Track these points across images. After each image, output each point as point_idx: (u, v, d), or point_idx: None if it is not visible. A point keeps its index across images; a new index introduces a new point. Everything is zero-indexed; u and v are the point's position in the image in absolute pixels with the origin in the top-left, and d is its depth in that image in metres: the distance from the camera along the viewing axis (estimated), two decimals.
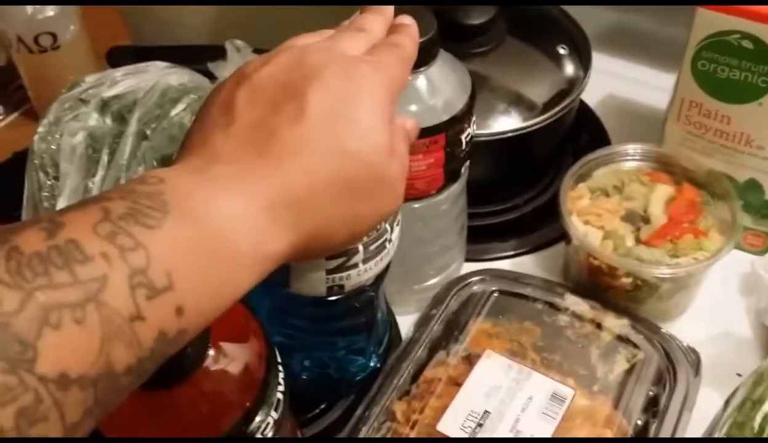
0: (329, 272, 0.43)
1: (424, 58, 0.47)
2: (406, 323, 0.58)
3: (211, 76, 0.59)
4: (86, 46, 0.76)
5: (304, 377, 0.53)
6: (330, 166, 0.33)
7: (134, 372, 0.26)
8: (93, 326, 0.25)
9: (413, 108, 0.48)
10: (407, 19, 0.41)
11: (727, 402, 0.45)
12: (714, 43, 0.52)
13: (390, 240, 0.45)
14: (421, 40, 0.46)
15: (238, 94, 0.34)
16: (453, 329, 0.54)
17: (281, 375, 0.39)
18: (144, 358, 0.27)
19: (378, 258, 0.45)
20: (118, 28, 1.05)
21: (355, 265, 0.44)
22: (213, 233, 0.29)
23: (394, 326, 0.57)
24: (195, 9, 1.10)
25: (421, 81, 0.48)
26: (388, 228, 0.44)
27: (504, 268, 0.61)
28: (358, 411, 0.51)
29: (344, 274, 0.44)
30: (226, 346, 0.36)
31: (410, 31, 0.41)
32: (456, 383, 0.50)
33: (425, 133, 0.48)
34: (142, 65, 0.58)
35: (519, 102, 0.62)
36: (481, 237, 0.63)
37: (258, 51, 0.58)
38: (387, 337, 0.55)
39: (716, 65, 0.53)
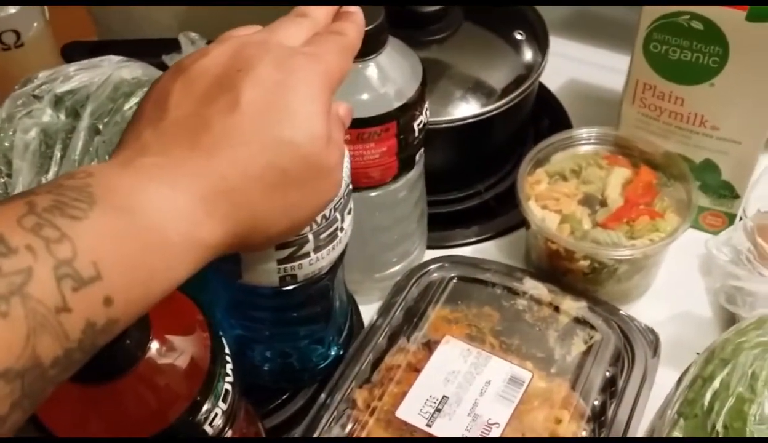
0: (280, 262, 0.43)
1: (372, 46, 0.47)
2: (370, 311, 0.58)
3: (166, 69, 0.58)
4: (51, 43, 0.75)
5: (266, 368, 0.53)
6: (264, 157, 0.33)
7: (62, 364, 0.26)
8: (18, 319, 0.25)
9: (364, 96, 0.48)
10: (352, 7, 0.41)
11: (679, 380, 0.46)
12: (664, 25, 0.52)
13: (341, 229, 0.45)
14: (369, 27, 0.46)
15: (173, 87, 0.34)
16: (413, 316, 0.54)
17: (229, 366, 0.39)
18: (72, 350, 0.26)
19: (330, 248, 0.45)
20: (83, 24, 1.05)
21: (307, 255, 0.44)
22: (141, 223, 0.29)
23: (355, 314, 0.57)
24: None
25: (371, 69, 0.48)
26: (339, 217, 0.44)
27: (467, 255, 0.61)
28: (320, 400, 0.51)
29: (296, 264, 0.44)
30: (168, 338, 0.36)
31: (355, 19, 0.40)
32: (415, 369, 0.51)
33: (376, 121, 0.48)
34: (96, 60, 0.57)
35: (478, 88, 0.62)
36: (443, 225, 0.64)
37: (210, 43, 0.57)
38: (347, 325, 0.55)
39: (668, 47, 0.53)
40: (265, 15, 0.46)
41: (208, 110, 0.33)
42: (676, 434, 0.42)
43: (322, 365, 0.54)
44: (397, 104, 0.48)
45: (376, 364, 0.52)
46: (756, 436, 0.39)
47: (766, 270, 0.49)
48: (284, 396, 0.53)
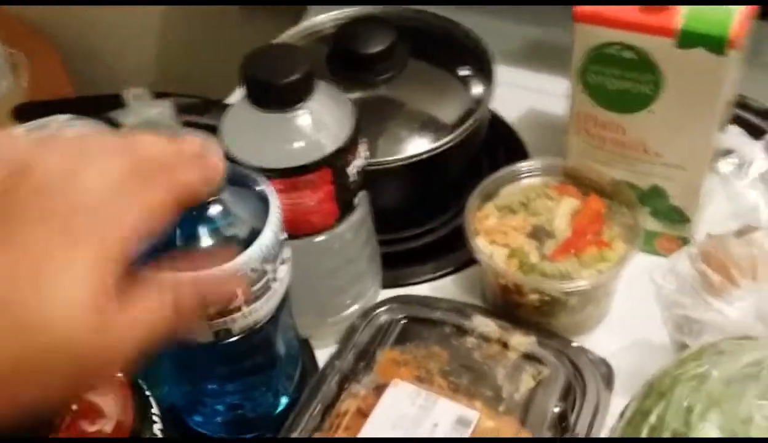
0: (210, 318, 0.43)
1: (298, 96, 0.47)
2: (326, 355, 0.57)
3: (115, 125, 0.59)
4: (22, 100, 0.77)
5: (220, 420, 0.53)
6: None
7: None
8: None
9: (295, 144, 0.48)
10: (189, 144, 0.33)
11: (622, 414, 0.45)
12: (598, 56, 0.53)
13: (275, 280, 0.45)
14: (293, 78, 0.47)
15: None
16: (363, 359, 0.54)
17: (157, 425, 0.39)
18: None
19: (264, 299, 0.45)
20: (60, 79, 1.06)
21: (238, 309, 0.44)
22: None
23: (309, 359, 0.57)
24: (139, 52, 1.11)
25: (300, 118, 0.48)
26: (270, 268, 0.44)
27: (424, 292, 0.61)
28: None
29: (227, 319, 0.44)
30: (87, 403, 0.36)
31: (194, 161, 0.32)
32: (364, 415, 0.50)
33: (310, 168, 0.49)
34: (44, 120, 0.58)
35: (427, 124, 0.62)
36: (400, 263, 0.63)
37: (159, 95, 0.58)
38: (299, 371, 0.55)
39: (603, 77, 0.53)
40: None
41: None
42: None
43: (276, 412, 0.53)
44: (330, 150, 0.49)
45: (326, 410, 0.52)
46: None
47: (711, 298, 0.49)
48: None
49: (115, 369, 0.31)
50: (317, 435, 0.50)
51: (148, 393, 0.40)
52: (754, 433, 0.40)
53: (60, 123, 0.57)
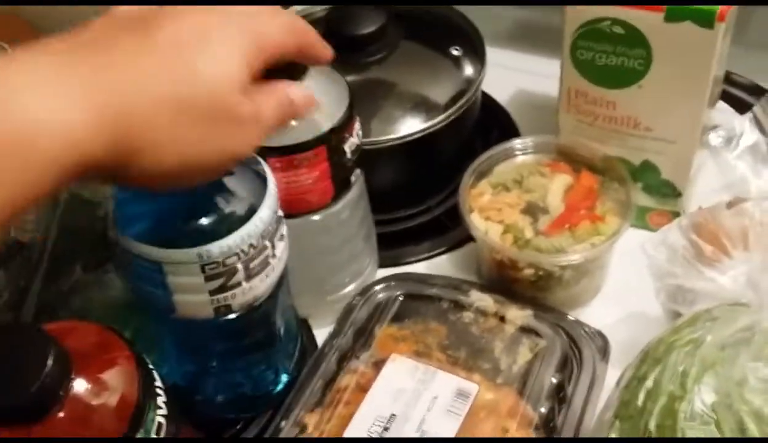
0: (212, 293, 0.44)
1: (295, 73, 0.47)
2: (325, 334, 0.58)
3: None
4: None
5: (220, 399, 0.54)
6: (168, 83, 0.32)
7: None
8: None
9: (292, 123, 0.48)
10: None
11: (618, 382, 0.46)
12: (588, 32, 0.53)
13: (273, 256, 0.46)
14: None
15: (95, 21, 0.33)
16: (362, 337, 0.54)
17: (161, 398, 0.39)
18: None
19: (263, 275, 0.45)
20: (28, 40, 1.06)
21: (238, 284, 0.44)
22: (11, 127, 0.28)
23: (308, 337, 0.58)
24: None
25: None
26: (268, 244, 0.45)
27: (420, 271, 0.62)
28: (272, 427, 0.51)
29: (228, 294, 0.44)
30: (92, 374, 0.36)
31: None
32: (363, 389, 0.51)
33: (306, 146, 0.49)
34: None
35: (420, 105, 0.63)
36: (396, 243, 0.64)
37: None
38: (298, 349, 0.55)
39: (593, 53, 0.54)
40: None
41: (121, 32, 0.32)
42: (613, 435, 0.42)
43: (276, 391, 0.54)
44: (325, 128, 0.49)
45: (327, 387, 0.52)
46: (687, 433, 0.40)
47: (703, 267, 0.49)
48: (239, 426, 0.54)
49: (253, 136, 0.36)
50: (318, 410, 0.51)
51: (151, 366, 0.40)
52: (748, 394, 0.41)
53: None
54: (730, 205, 0.53)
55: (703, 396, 0.41)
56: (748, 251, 0.50)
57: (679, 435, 0.39)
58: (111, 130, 0.30)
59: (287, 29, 0.37)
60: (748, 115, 0.55)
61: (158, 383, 0.40)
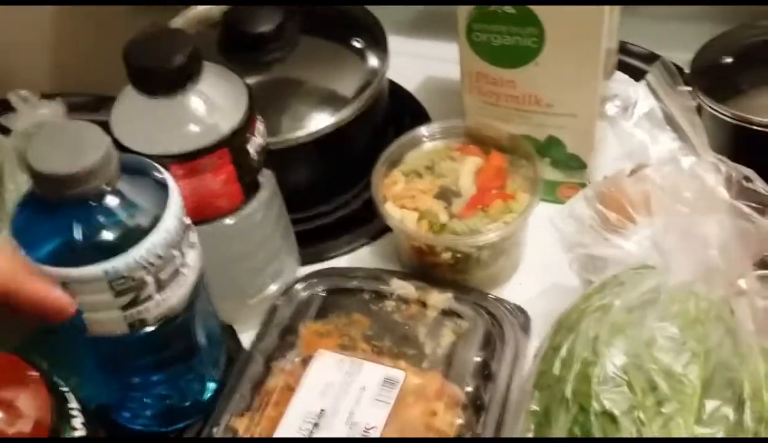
0: (124, 308, 0.43)
1: (184, 79, 0.47)
2: (251, 337, 0.58)
3: (4, 130, 0.57)
4: None
5: (149, 413, 0.53)
6: None
7: None
8: None
9: (190, 128, 0.48)
10: None
11: (536, 354, 0.47)
12: (481, 14, 0.54)
13: (184, 265, 0.45)
14: (178, 61, 0.46)
15: None
16: (287, 336, 0.54)
17: (77, 420, 0.38)
18: None
19: (174, 286, 0.45)
20: None
21: (149, 298, 0.44)
22: None
23: (234, 342, 0.57)
24: (24, 55, 1.06)
25: (192, 100, 0.48)
26: (177, 253, 0.44)
27: (342, 265, 0.62)
28: (203, 434, 0.50)
29: (141, 308, 0.44)
30: (3, 404, 0.35)
31: None
32: (292, 388, 0.51)
33: (207, 150, 0.48)
34: None
35: (326, 99, 0.63)
36: (315, 239, 0.64)
37: (45, 96, 0.57)
38: (224, 355, 0.55)
39: (488, 34, 0.55)
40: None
41: None
42: (533, 406, 0.43)
43: (204, 398, 0.53)
44: (225, 131, 0.49)
45: (255, 390, 0.52)
46: (601, 396, 0.41)
47: (610, 234, 0.51)
48: (172, 437, 0.53)
49: None
50: (247, 415, 0.51)
51: (64, 388, 0.39)
52: (657, 353, 0.42)
53: None
54: (631, 172, 0.54)
55: (614, 359, 0.42)
56: (651, 216, 0.51)
57: (593, 399, 0.41)
58: None
59: None
60: (642, 82, 0.57)
61: (73, 404, 0.39)
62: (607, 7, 0.52)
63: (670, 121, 0.56)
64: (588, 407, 0.41)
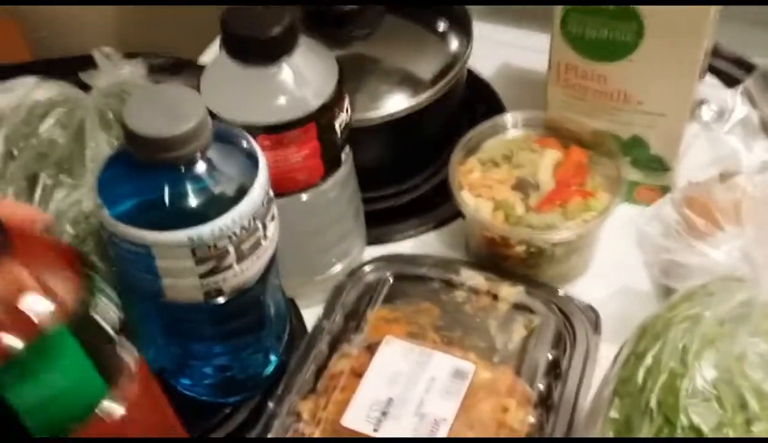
0: (202, 276, 0.42)
1: (282, 49, 0.46)
2: (313, 314, 0.57)
3: (85, 87, 0.57)
4: None
5: (207, 382, 0.52)
6: None
7: None
8: None
9: (280, 100, 0.47)
10: None
11: (615, 359, 0.46)
12: (578, 6, 0.52)
13: (265, 237, 0.44)
14: (277, 32, 0.45)
15: None
16: (353, 320, 0.53)
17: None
18: None
19: (254, 257, 0.44)
20: (16, 43, 1.02)
21: (229, 267, 0.43)
22: None
23: (296, 318, 0.57)
24: (94, 14, 1.07)
25: (284, 72, 0.47)
26: (260, 225, 0.43)
27: (408, 249, 0.61)
28: (265, 414, 0.49)
29: (219, 277, 0.43)
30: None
31: None
32: (358, 374, 0.50)
33: (295, 124, 0.48)
34: (8, 83, 0.56)
35: (406, 81, 0.61)
36: (383, 221, 0.63)
37: (129, 55, 0.56)
38: (287, 331, 0.54)
39: (584, 27, 0.53)
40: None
41: None
42: (613, 413, 0.42)
43: (265, 373, 0.53)
44: (315, 105, 0.48)
45: (319, 372, 0.51)
46: (689, 410, 0.39)
47: (696, 241, 0.49)
48: (227, 411, 0.52)
49: None
50: (311, 397, 0.50)
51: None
52: (748, 369, 0.41)
53: (27, 86, 0.55)
54: (722, 178, 0.53)
55: (704, 373, 0.41)
56: (741, 225, 0.49)
57: (681, 413, 0.39)
58: None
59: None
60: (739, 88, 0.55)
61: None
62: (713, 7, 0.49)
63: (766, 130, 0.54)
64: (675, 420, 0.39)
